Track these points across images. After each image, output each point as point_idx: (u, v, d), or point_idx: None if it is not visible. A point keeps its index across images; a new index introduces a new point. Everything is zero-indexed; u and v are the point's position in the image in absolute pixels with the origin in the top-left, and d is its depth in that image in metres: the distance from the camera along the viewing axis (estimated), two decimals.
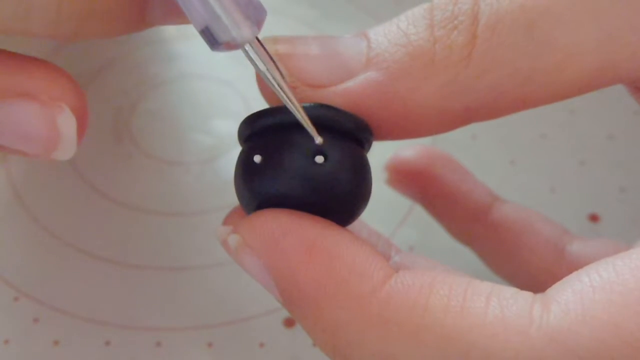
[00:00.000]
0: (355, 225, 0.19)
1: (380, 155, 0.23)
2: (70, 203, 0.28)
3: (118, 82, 0.32)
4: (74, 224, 0.27)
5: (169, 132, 0.30)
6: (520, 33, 0.15)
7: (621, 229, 0.27)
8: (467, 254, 0.24)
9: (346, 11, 0.35)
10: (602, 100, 0.30)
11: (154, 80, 0.32)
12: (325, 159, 0.15)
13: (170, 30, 0.34)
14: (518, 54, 0.15)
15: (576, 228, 0.24)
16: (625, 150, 0.29)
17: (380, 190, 0.21)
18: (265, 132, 0.16)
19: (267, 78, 0.15)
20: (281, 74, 0.15)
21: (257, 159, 0.16)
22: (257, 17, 0.15)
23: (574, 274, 0.14)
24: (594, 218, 0.27)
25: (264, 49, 0.15)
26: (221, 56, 0.31)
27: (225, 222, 0.17)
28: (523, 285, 0.15)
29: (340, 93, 0.16)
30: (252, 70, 0.16)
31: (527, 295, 0.14)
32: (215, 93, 0.32)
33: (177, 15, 0.16)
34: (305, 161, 0.15)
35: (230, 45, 0.15)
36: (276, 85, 0.15)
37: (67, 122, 0.16)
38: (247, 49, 0.15)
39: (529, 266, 0.22)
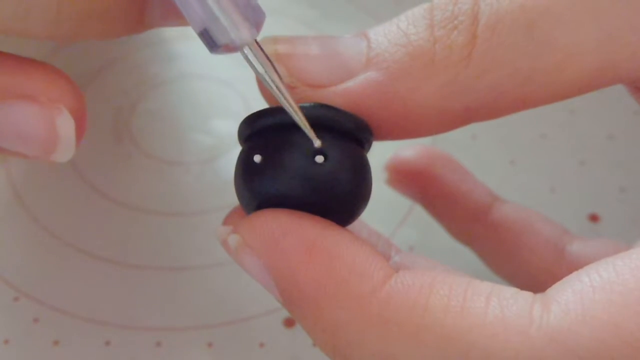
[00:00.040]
0: (355, 225, 0.19)
1: (380, 155, 0.23)
2: (70, 203, 0.28)
3: (118, 82, 0.32)
4: (74, 224, 0.27)
5: (169, 132, 0.30)
6: (520, 33, 0.15)
7: (621, 229, 0.27)
8: (467, 254, 0.24)
9: (346, 11, 0.35)
10: (602, 100, 0.30)
11: (154, 80, 0.32)
12: (325, 159, 0.15)
13: (170, 31, 0.34)
14: (518, 54, 0.15)
15: (576, 228, 0.24)
16: (625, 150, 0.29)
17: (380, 190, 0.21)
18: (265, 132, 0.16)
19: (266, 81, 0.15)
20: (279, 76, 0.15)
21: (257, 158, 0.16)
22: (256, 19, 0.15)
23: (574, 274, 0.14)
24: (594, 218, 0.27)
25: (263, 51, 0.15)
26: (221, 56, 0.30)
27: (225, 222, 0.17)
28: (523, 285, 0.15)
29: (340, 93, 0.16)
30: (252, 71, 0.16)
31: (527, 295, 0.14)
32: (215, 93, 0.32)
33: (176, 17, 0.16)
34: (305, 161, 0.15)
35: (229, 48, 0.15)
36: (275, 88, 0.15)
37: (65, 124, 0.16)
38: (245, 51, 0.15)
39: (529, 266, 0.22)
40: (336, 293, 0.15)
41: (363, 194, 0.16)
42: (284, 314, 0.24)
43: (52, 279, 0.25)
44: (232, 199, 0.17)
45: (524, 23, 0.15)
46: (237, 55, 0.16)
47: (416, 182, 0.24)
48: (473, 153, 0.29)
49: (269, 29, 0.16)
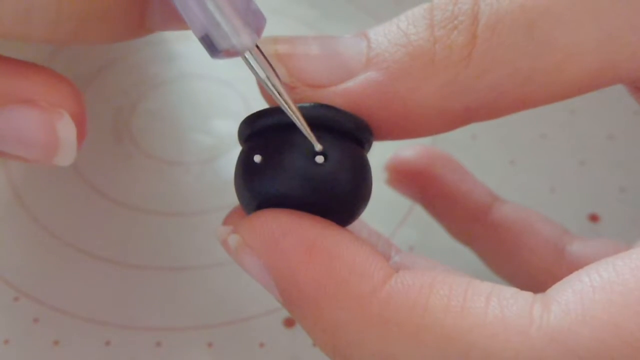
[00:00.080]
0: (355, 225, 0.19)
1: (380, 155, 0.23)
2: (70, 203, 0.28)
3: (118, 82, 0.32)
4: (74, 224, 0.27)
5: (169, 132, 0.30)
6: (520, 33, 0.15)
7: (621, 229, 0.27)
8: (467, 254, 0.24)
9: (346, 11, 0.35)
10: (602, 100, 0.30)
11: (154, 80, 0.32)
12: (325, 159, 0.15)
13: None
14: (518, 54, 0.15)
15: (576, 228, 0.24)
16: (625, 150, 0.29)
17: (380, 190, 0.21)
18: (266, 132, 0.16)
19: (267, 85, 0.15)
20: (281, 81, 0.15)
21: (257, 159, 0.16)
22: (256, 24, 0.15)
23: (574, 274, 0.14)
24: (594, 218, 0.27)
25: (264, 56, 0.15)
26: None
27: (225, 222, 0.17)
28: (523, 285, 0.15)
29: (340, 93, 0.16)
30: (253, 75, 0.16)
31: (527, 295, 0.14)
32: (215, 93, 0.32)
33: (177, 22, 0.16)
34: (306, 161, 0.15)
35: (230, 53, 0.15)
36: (276, 93, 0.15)
37: (66, 128, 0.17)
38: (247, 56, 0.15)
39: (529, 266, 0.22)
40: (336, 293, 0.15)
41: (363, 194, 0.16)
42: (284, 314, 0.24)
43: (52, 279, 0.25)
44: (232, 199, 0.17)
45: (524, 23, 0.15)
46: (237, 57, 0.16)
47: (416, 182, 0.24)
48: (473, 153, 0.29)
49: (269, 29, 0.16)
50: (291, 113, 0.15)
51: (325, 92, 0.16)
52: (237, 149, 0.17)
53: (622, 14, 0.15)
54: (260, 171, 0.16)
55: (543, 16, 0.15)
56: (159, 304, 0.25)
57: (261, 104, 0.17)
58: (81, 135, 0.17)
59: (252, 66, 0.15)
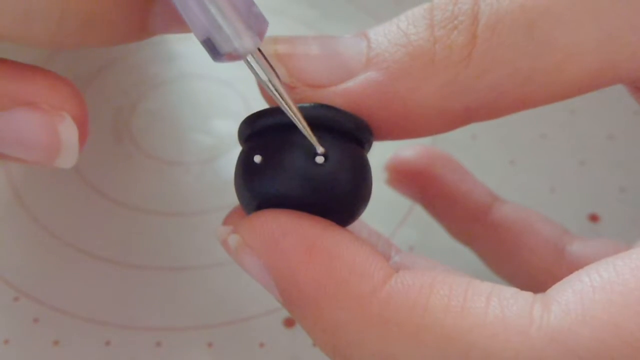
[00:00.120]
0: (355, 225, 0.19)
1: (380, 155, 0.23)
2: (70, 203, 0.28)
3: (118, 82, 0.32)
4: (74, 224, 0.27)
5: (169, 132, 0.30)
6: (520, 33, 0.15)
7: (621, 229, 0.27)
8: (467, 254, 0.24)
9: (346, 11, 0.35)
10: (602, 100, 0.30)
11: (154, 80, 0.32)
12: (325, 159, 0.15)
13: None
14: (518, 54, 0.15)
15: (576, 228, 0.24)
16: (625, 150, 0.29)
17: (380, 190, 0.21)
18: (266, 132, 0.16)
19: (269, 88, 0.15)
20: (282, 84, 0.15)
21: (257, 159, 0.16)
22: (258, 27, 0.15)
23: (574, 274, 0.14)
24: (594, 218, 0.27)
25: (266, 59, 0.15)
26: None
27: (225, 222, 0.17)
28: (523, 285, 0.15)
29: (340, 93, 0.16)
30: (255, 78, 0.16)
31: (527, 295, 0.14)
32: (215, 93, 0.32)
33: (179, 25, 0.16)
34: (306, 161, 0.15)
35: (232, 56, 0.15)
36: (278, 96, 0.15)
37: (68, 130, 0.17)
38: (249, 59, 0.15)
39: (529, 266, 0.22)
40: (336, 293, 0.15)
41: (363, 194, 0.16)
42: (284, 314, 0.24)
43: (52, 279, 0.25)
44: (232, 199, 0.17)
45: (524, 23, 0.15)
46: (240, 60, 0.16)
47: (416, 182, 0.24)
48: (473, 153, 0.29)
49: (269, 29, 0.16)
50: (292, 114, 0.15)
51: (325, 92, 0.16)
52: (237, 149, 0.17)
53: (622, 14, 0.15)
54: (260, 171, 0.16)
55: (543, 16, 0.15)
56: (159, 304, 0.25)
57: (261, 104, 0.17)
58: (83, 137, 0.17)
59: (254, 69, 0.15)
